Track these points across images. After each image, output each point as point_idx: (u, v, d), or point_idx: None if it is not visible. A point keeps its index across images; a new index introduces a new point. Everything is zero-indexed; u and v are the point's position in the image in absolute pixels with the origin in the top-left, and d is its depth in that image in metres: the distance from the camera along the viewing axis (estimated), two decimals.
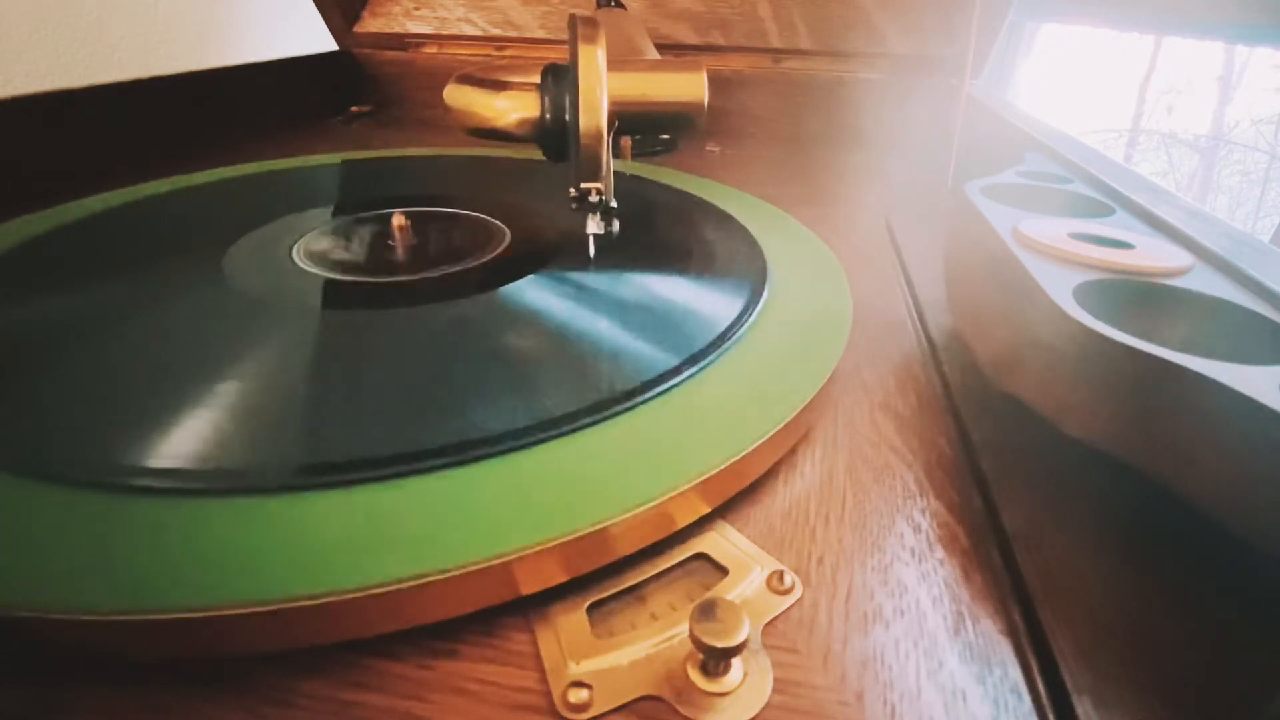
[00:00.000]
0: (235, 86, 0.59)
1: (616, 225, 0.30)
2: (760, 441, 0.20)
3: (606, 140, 0.28)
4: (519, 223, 0.35)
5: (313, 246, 0.32)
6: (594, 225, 0.30)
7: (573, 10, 0.29)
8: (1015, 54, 0.94)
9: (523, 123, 0.30)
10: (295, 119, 0.65)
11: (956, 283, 0.31)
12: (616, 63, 0.29)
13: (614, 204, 0.30)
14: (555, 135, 0.29)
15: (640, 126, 0.31)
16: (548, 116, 0.29)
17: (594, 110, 0.27)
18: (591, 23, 0.28)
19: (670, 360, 0.23)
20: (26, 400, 0.20)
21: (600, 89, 0.27)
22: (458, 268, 0.30)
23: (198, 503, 0.17)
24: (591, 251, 0.31)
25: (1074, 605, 0.16)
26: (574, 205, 0.29)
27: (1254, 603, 0.15)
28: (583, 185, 0.28)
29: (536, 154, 0.31)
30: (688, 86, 0.30)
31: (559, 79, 0.29)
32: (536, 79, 0.29)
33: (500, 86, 0.30)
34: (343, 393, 0.21)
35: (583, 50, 0.27)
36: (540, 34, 0.67)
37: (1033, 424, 0.21)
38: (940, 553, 0.19)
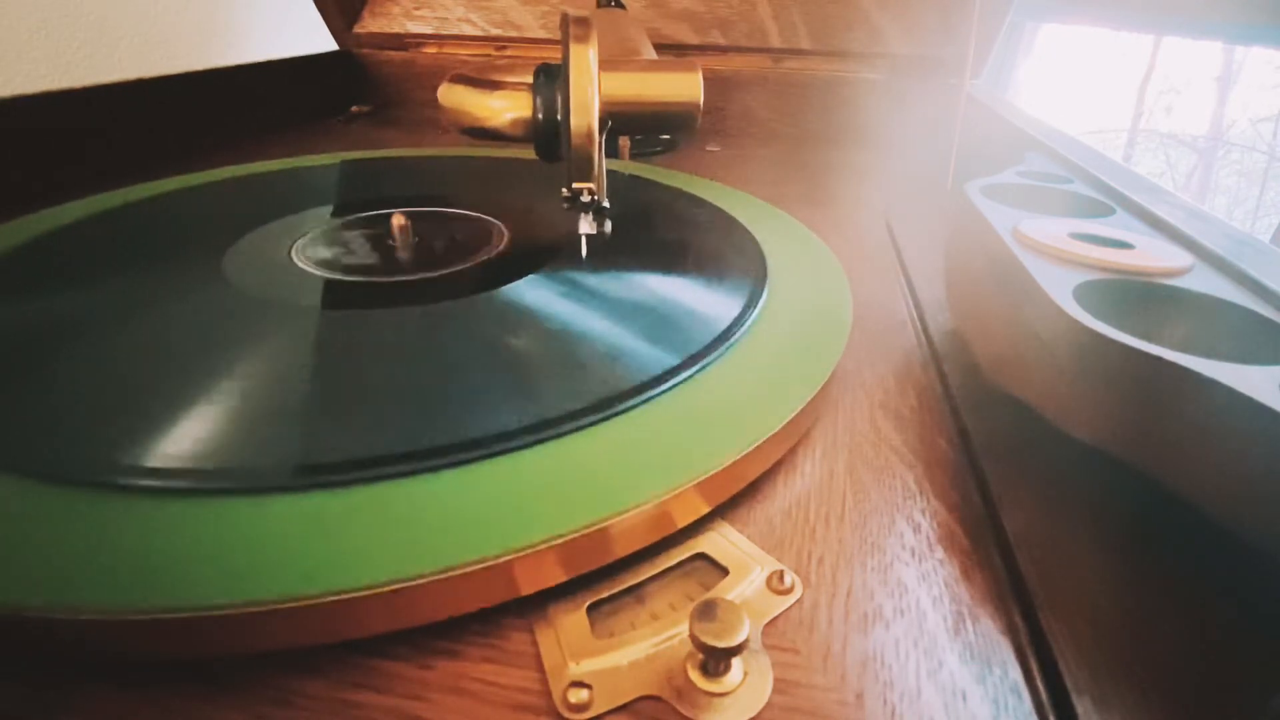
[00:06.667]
0: (235, 86, 0.59)
1: (609, 225, 0.30)
2: (760, 441, 0.19)
3: (598, 140, 0.28)
4: (519, 222, 0.35)
5: (313, 246, 0.32)
6: (586, 225, 0.30)
7: (564, 9, 0.29)
8: (1015, 54, 0.95)
9: (516, 122, 0.30)
10: (295, 119, 0.65)
11: (956, 283, 0.31)
12: (611, 63, 0.29)
13: (607, 204, 0.30)
14: (548, 135, 0.29)
15: (636, 127, 0.31)
16: (540, 116, 0.29)
17: (585, 110, 0.27)
18: (584, 22, 0.28)
19: (670, 360, 0.23)
20: (27, 400, 0.20)
21: (592, 88, 0.27)
22: (457, 268, 0.30)
23: (198, 503, 0.17)
24: (584, 251, 0.31)
25: (1074, 605, 0.16)
26: (566, 205, 0.29)
27: (1253, 602, 0.15)
28: (575, 185, 0.28)
29: (534, 154, 0.31)
30: (683, 87, 0.30)
31: (551, 79, 0.29)
32: (530, 79, 0.29)
33: (493, 86, 0.30)
34: (342, 393, 0.21)
35: (574, 49, 0.27)
36: (540, 34, 0.67)
37: (1033, 424, 0.21)
38: (940, 553, 0.19)
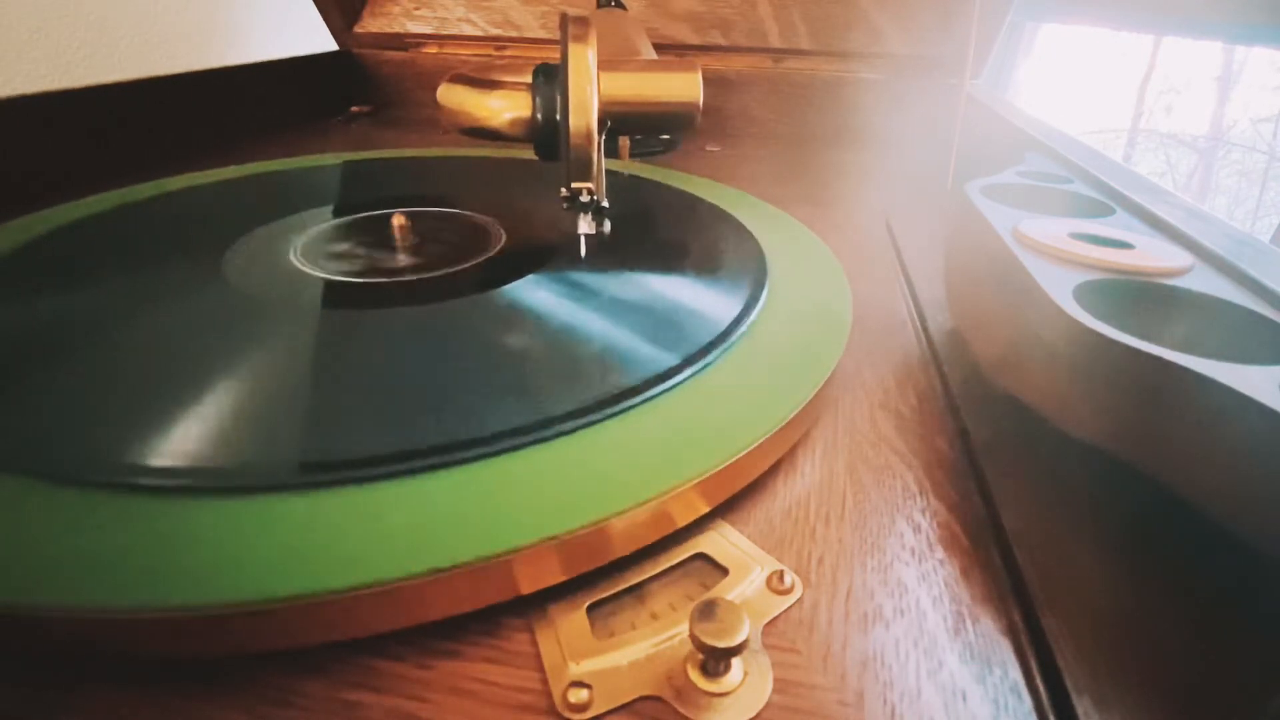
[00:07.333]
0: (235, 86, 0.59)
1: (608, 225, 0.30)
2: (760, 441, 0.20)
3: (597, 140, 0.28)
4: (518, 222, 0.35)
5: (312, 246, 0.32)
6: (585, 225, 0.30)
7: (563, 9, 0.29)
8: (1015, 54, 0.95)
9: (514, 122, 0.30)
10: (295, 119, 0.65)
11: (956, 283, 0.31)
12: (611, 63, 0.29)
13: (605, 204, 0.30)
14: (547, 135, 0.29)
15: (635, 127, 0.31)
16: (539, 116, 0.29)
17: (584, 110, 0.27)
18: (583, 22, 0.28)
19: (670, 359, 0.23)
20: (27, 400, 0.20)
21: (590, 88, 0.27)
22: (457, 268, 0.30)
23: (197, 502, 0.17)
24: (583, 251, 0.31)
25: (1074, 605, 0.16)
26: (565, 205, 0.29)
27: (1254, 602, 0.15)
28: (574, 185, 0.28)
29: (533, 153, 0.31)
30: (682, 87, 0.30)
31: (550, 79, 0.29)
32: (529, 79, 0.29)
33: (492, 86, 0.30)
34: (342, 392, 0.21)
35: (573, 50, 0.27)
36: (540, 34, 0.67)
37: (1033, 424, 0.21)
38: (940, 553, 0.19)
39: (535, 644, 0.16)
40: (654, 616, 0.17)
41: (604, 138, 0.29)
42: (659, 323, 0.26)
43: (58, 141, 0.46)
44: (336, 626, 0.15)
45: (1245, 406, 0.15)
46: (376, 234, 0.33)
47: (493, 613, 0.16)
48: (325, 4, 0.68)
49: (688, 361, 0.23)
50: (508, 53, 0.68)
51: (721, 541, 0.19)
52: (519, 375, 0.22)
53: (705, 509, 0.19)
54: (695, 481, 0.18)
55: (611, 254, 0.31)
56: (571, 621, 0.16)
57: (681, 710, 0.14)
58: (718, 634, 0.14)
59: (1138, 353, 0.17)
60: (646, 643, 0.16)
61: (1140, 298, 0.21)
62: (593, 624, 0.16)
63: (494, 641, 0.16)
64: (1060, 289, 0.21)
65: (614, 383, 0.21)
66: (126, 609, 0.14)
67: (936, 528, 0.20)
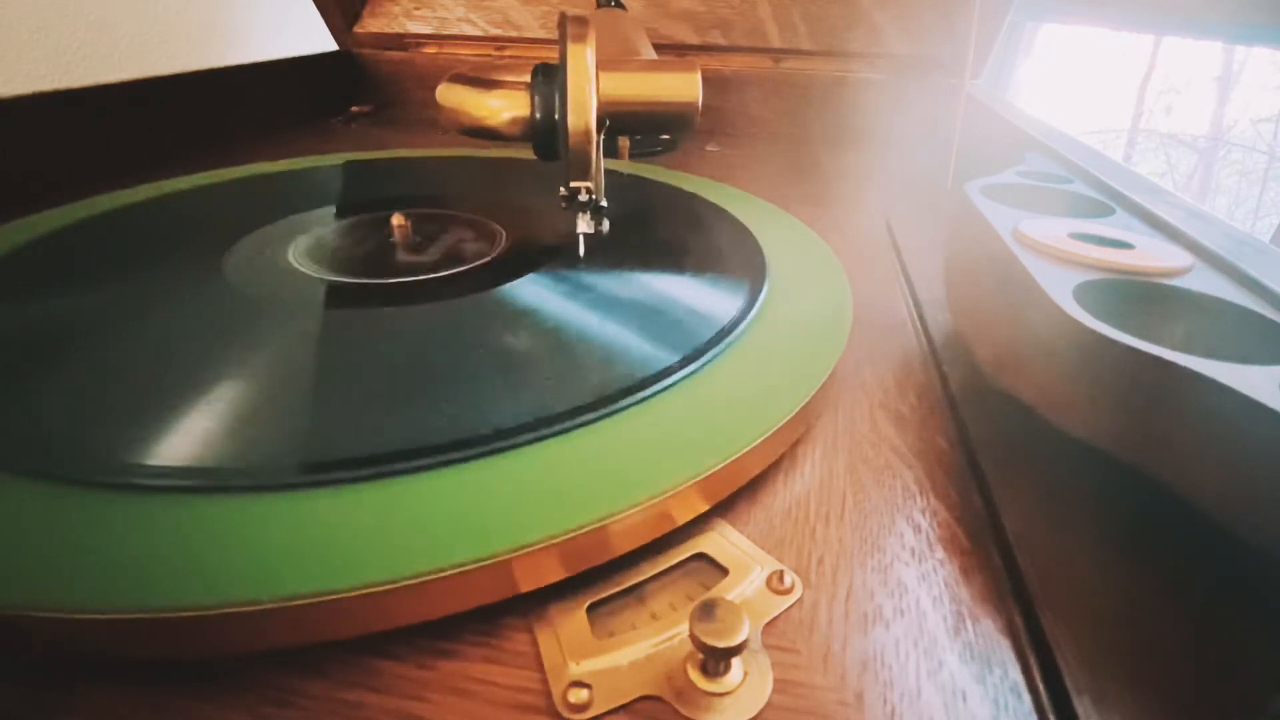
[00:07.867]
0: (235, 86, 0.59)
1: (606, 224, 0.30)
2: (760, 440, 0.19)
3: (596, 139, 0.28)
4: (518, 222, 0.35)
5: (312, 247, 0.32)
6: (584, 224, 0.30)
7: (563, 9, 0.29)
8: (1015, 54, 0.95)
9: (514, 122, 0.30)
10: (295, 119, 0.65)
11: (956, 283, 0.31)
12: (610, 63, 0.29)
13: (604, 203, 0.30)
14: (546, 135, 0.29)
15: (634, 127, 0.31)
16: (538, 116, 0.29)
17: (583, 109, 0.27)
18: (581, 21, 0.28)
19: (669, 358, 0.23)
20: (27, 400, 0.20)
21: (589, 88, 0.27)
22: (456, 268, 0.30)
23: (197, 502, 0.17)
24: (581, 250, 0.31)
25: (1074, 605, 0.16)
26: (564, 204, 0.29)
27: (1254, 602, 0.15)
28: (572, 184, 0.28)
29: (532, 153, 0.31)
30: (681, 87, 0.30)
31: (549, 78, 0.29)
32: (529, 78, 0.29)
33: (491, 86, 0.30)
34: (342, 392, 0.21)
35: (572, 49, 0.27)
36: (540, 34, 0.67)
37: (1033, 424, 0.21)
38: (940, 553, 0.19)
39: (535, 644, 0.16)
40: (654, 616, 0.17)
41: (603, 137, 0.29)
42: (658, 322, 0.26)
43: (58, 141, 0.46)
44: (336, 626, 0.15)
45: (1245, 406, 0.15)
46: (376, 234, 0.33)
47: (492, 613, 0.16)
48: (325, 4, 0.68)
49: (687, 360, 0.23)
50: (508, 53, 0.68)
51: (721, 541, 0.19)
52: (518, 375, 0.22)
53: (705, 508, 0.19)
54: (695, 481, 0.18)
55: (611, 253, 0.31)
56: (571, 621, 0.16)
57: (681, 710, 0.14)
58: (718, 634, 0.14)
59: (1138, 352, 0.17)
60: (646, 643, 0.16)
61: (1140, 298, 0.21)
62: (593, 624, 0.16)
63: (494, 641, 0.16)
64: (1060, 289, 0.21)
65: (613, 381, 0.21)
66: (126, 609, 0.14)
67: (936, 528, 0.20)
